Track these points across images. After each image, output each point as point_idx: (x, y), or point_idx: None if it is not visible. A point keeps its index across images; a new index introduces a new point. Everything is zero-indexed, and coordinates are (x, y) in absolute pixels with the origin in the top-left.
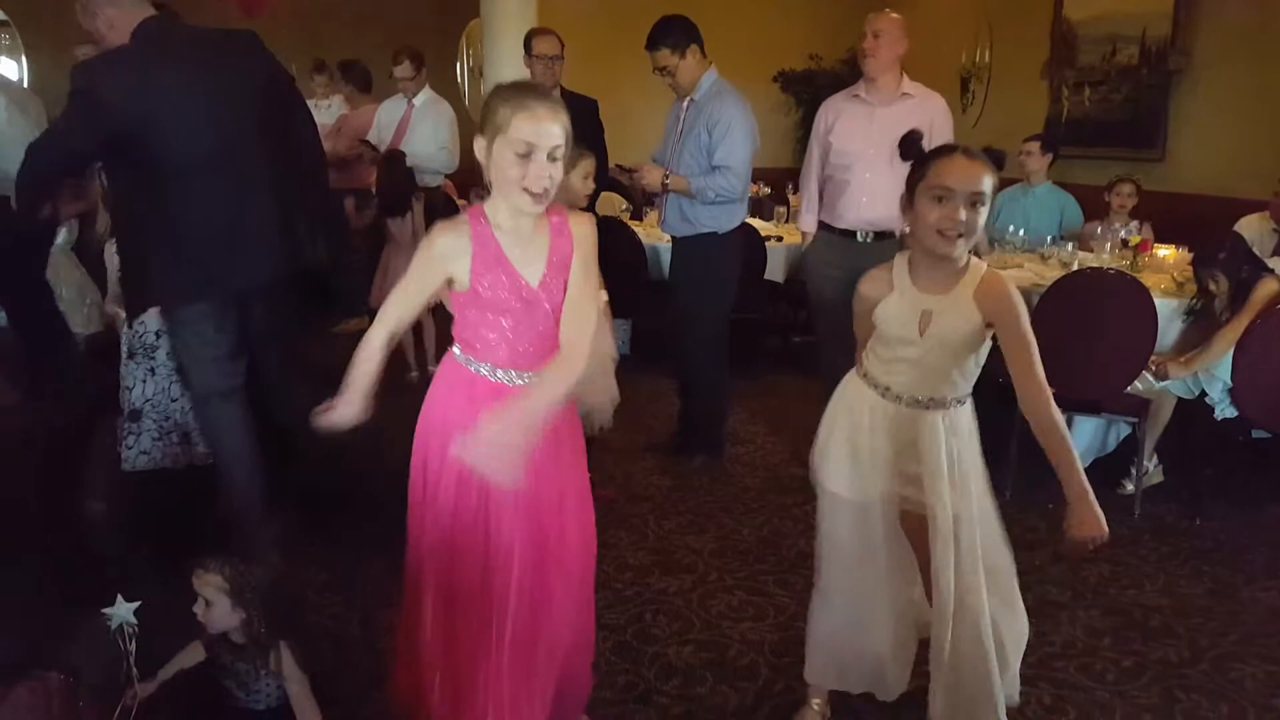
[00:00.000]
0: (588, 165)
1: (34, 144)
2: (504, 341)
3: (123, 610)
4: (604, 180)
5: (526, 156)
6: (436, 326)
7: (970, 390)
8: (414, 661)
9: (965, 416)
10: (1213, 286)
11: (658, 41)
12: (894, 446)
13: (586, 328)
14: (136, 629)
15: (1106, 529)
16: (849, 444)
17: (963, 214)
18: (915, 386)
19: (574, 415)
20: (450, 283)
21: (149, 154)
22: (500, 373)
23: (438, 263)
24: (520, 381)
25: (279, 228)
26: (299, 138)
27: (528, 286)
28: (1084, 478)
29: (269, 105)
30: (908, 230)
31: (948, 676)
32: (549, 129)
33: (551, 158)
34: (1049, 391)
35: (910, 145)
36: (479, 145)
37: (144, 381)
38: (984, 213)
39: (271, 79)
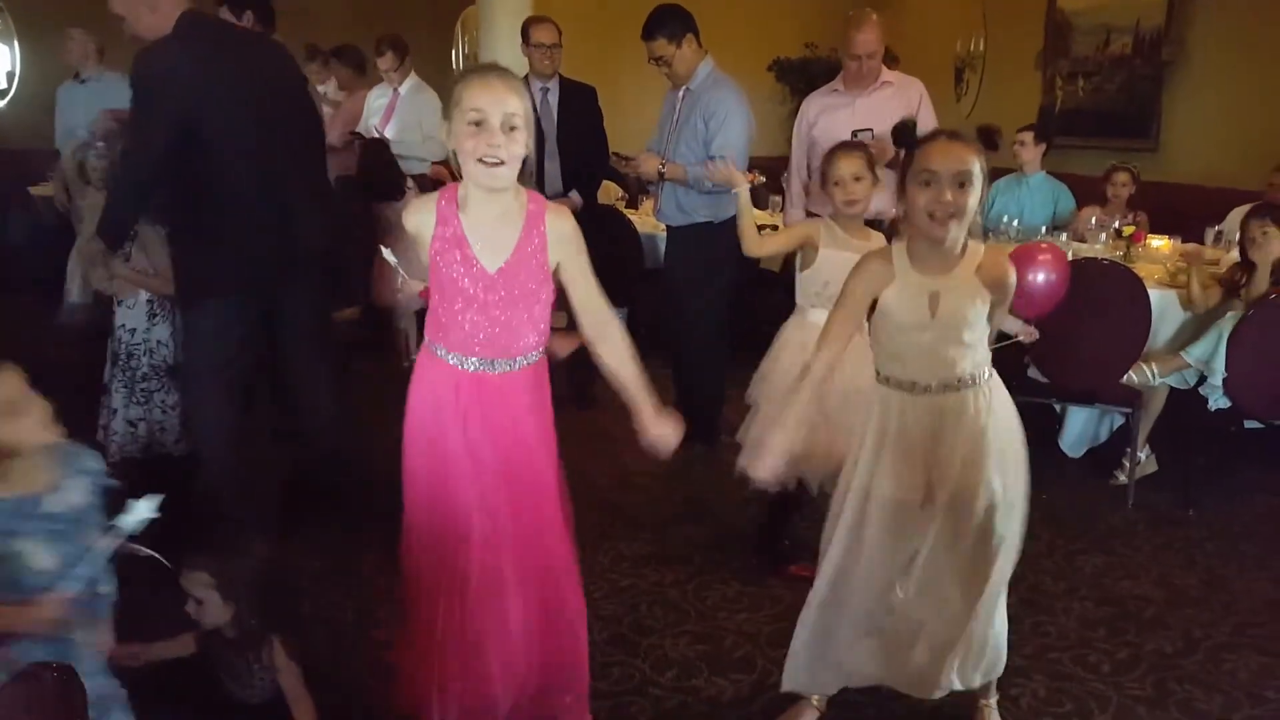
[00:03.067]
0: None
1: (120, 162)
2: (457, 326)
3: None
4: (607, 168)
5: (479, 125)
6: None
7: (989, 357)
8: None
9: (1000, 396)
10: (1259, 236)
11: (654, 31)
12: (927, 440)
13: (617, 329)
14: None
15: None
16: (877, 445)
17: (949, 195)
18: (934, 371)
19: (545, 391)
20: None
21: (203, 141)
22: (461, 359)
23: (417, 233)
24: (483, 370)
25: (305, 216)
26: (315, 136)
27: (484, 272)
28: None
29: (296, 103)
30: (900, 214)
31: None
32: (502, 97)
33: (508, 127)
34: None
35: (903, 133)
36: (443, 130)
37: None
38: (973, 193)
39: (297, 79)
